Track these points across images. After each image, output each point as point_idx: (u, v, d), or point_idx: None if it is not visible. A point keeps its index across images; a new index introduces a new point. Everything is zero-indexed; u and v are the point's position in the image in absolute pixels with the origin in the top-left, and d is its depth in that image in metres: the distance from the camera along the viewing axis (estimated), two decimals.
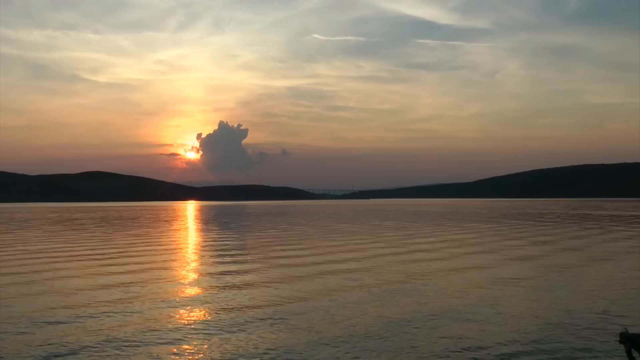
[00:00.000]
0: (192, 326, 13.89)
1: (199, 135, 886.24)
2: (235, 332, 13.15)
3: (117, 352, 11.59)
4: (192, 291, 19.24)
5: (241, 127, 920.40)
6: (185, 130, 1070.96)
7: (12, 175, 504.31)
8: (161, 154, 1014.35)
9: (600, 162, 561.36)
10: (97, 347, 11.98)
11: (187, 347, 12.09)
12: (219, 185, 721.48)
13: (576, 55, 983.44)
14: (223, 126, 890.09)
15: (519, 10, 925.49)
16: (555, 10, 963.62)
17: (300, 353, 11.48)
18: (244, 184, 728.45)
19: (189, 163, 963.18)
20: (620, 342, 8.69)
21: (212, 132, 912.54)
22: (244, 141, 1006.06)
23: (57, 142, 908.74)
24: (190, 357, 11.31)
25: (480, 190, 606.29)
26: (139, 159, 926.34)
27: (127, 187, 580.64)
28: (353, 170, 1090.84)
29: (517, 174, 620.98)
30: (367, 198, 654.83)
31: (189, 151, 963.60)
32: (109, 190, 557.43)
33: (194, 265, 27.03)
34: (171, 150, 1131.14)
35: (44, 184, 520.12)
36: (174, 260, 29.18)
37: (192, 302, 17.17)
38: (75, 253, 33.30)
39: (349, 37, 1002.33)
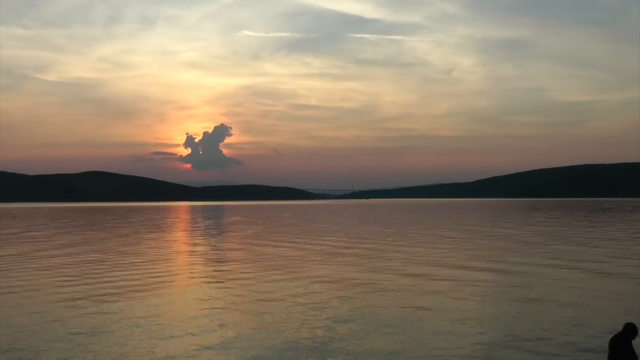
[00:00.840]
0: None
1: (189, 137, 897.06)
2: None
3: None
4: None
5: (226, 128, 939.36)
6: (165, 130, 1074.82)
7: (11, 175, 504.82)
8: (145, 153, 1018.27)
9: (600, 162, 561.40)
10: None
11: None
12: (216, 186, 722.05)
13: (527, 50, 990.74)
14: (208, 127, 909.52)
15: (448, 4, 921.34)
16: (487, 3, 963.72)
17: None
18: (244, 184, 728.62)
19: (182, 162, 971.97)
20: None
21: (197, 132, 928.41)
22: (226, 140, 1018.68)
23: (34, 141, 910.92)
24: None
25: (481, 190, 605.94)
26: (128, 159, 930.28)
27: (127, 186, 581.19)
28: (346, 170, 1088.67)
29: (517, 173, 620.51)
30: (367, 198, 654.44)
31: (178, 151, 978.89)
32: (109, 190, 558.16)
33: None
34: (155, 149, 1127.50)
35: (44, 184, 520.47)
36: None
37: None
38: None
39: (283, 33, 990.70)
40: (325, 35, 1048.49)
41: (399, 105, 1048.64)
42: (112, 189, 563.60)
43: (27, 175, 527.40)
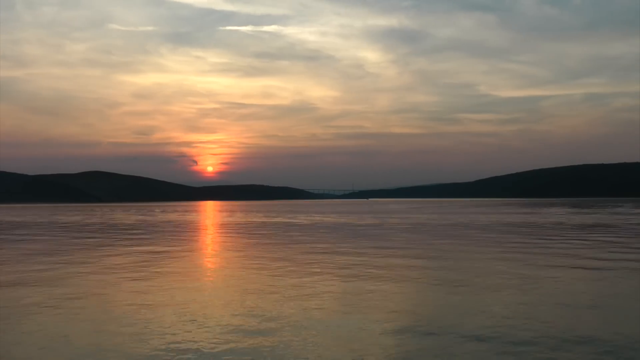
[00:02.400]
0: None
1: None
2: None
3: None
4: None
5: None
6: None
7: (11, 175, 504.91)
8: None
9: (600, 162, 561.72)
10: None
11: None
12: (219, 185, 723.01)
13: (429, 42, 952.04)
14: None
15: None
16: None
17: None
18: (244, 184, 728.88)
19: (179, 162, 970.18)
20: None
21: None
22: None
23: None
24: None
25: (481, 190, 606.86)
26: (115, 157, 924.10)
27: (128, 186, 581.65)
28: (346, 170, 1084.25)
29: (517, 173, 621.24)
30: (367, 198, 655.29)
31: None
32: (109, 190, 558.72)
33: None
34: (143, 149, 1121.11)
35: (44, 184, 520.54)
36: None
37: None
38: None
39: (150, 27, 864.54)
40: (194, 28, 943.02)
41: (329, 102, 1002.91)
42: (112, 189, 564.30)
43: (27, 175, 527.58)
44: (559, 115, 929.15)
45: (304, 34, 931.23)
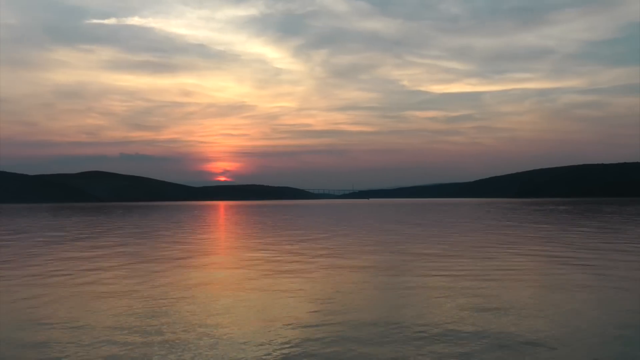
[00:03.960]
0: None
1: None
2: None
3: None
4: None
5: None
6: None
7: (12, 175, 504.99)
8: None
9: (600, 162, 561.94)
10: None
11: None
12: (217, 186, 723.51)
13: (347, 38, 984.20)
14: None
15: None
16: None
17: None
18: (245, 184, 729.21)
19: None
20: None
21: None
22: None
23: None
24: None
25: (481, 190, 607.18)
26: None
27: (128, 186, 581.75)
28: (346, 170, 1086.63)
29: (517, 173, 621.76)
30: (367, 198, 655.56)
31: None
32: (109, 190, 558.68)
33: None
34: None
35: (44, 184, 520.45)
36: None
37: None
38: None
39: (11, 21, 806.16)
40: (52, 25, 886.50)
41: (259, 99, 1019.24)
42: (112, 189, 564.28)
43: (27, 175, 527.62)
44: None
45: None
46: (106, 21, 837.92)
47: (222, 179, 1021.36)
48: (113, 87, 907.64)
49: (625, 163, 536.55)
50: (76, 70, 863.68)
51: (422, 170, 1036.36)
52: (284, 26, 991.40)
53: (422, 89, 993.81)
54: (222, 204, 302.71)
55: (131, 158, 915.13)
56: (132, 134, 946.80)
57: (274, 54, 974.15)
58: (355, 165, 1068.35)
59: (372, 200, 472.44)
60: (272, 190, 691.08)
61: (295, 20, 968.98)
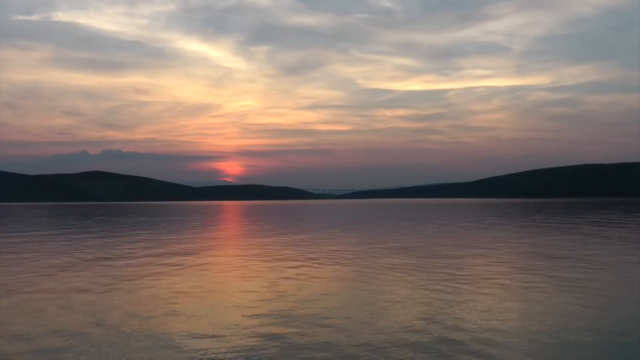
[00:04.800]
0: None
1: None
2: None
3: None
4: None
5: None
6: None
7: (12, 175, 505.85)
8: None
9: (600, 162, 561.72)
10: None
11: None
12: (217, 186, 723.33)
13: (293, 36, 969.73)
14: None
15: None
16: None
17: None
18: (240, 184, 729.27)
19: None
20: None
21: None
22: None
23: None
24: None
25: (481, 190, 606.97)
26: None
27: (128, 186, 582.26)
28: (345, 170, 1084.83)
29: (517, 173, 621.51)
30: (367, 198, 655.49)
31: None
32: (110, 190, 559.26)
33: None
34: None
35: (44, 184, 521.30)
36: None
37: None
38: None
39: None
40: None
41: (225, 98, 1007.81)
42: (112, 189, 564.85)
43: (27, 175, 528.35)
44: None
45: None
46: (33, 17, 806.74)
47: (222, 179, 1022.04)
48: (70, 86, 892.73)
49: (623, 163, 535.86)
50: (26, 68, 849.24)
51: (414, 170, 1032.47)
52: (212, 22, 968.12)
53: (381, 86, 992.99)
54: (233, 204, 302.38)
55: (104, 157, 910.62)
56: (105, 134, 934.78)
57: (215, 52, 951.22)
58: (344, 165, 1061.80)
59: (372, 200, 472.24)
60: (272, 190, 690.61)
61: (220, 15, 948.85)
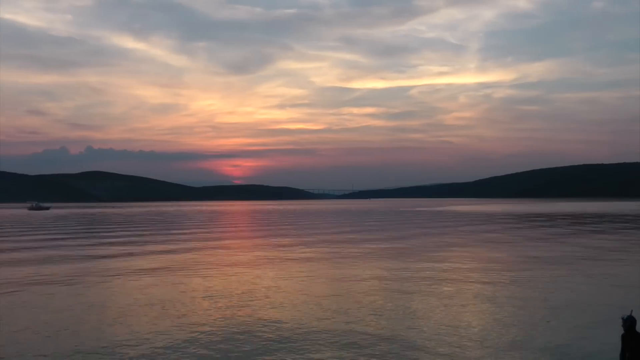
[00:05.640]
0: None
1: None
2: None
3: None
4: None
5: None
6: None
7: (12, 175, 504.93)
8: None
9: (600, 162, 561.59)
10: None
11: None
12: (218, 186, 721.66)
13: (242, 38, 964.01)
14: None
15: None
16: None
17: None
18: (245, 184, 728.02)
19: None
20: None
21: None
22: None
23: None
24: None
25: (481, 190, 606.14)
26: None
27: (128, 186, 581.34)
28: (345, 170, 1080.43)
29: (517, 173, 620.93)
30: (367, 198, 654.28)
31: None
32: (110, 190, 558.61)
33: None
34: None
35: (44, 184, 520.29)
36: None
37: None
38: None
39: None
40: None
41: (180, 98, 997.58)
42: (112, 189, 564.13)
43: (27, 175, 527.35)
44: None
45: None
46: None
47: (220, 179, 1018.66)
48: (24, 85, 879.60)
49: (623, 164, 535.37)
50: None
51: (407, 170, 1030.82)
52: (135, 18, 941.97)
53: (339, 84, 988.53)
54: (239, 205, 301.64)
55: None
56: (77, 133, 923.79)
57: (155, 50, 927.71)
58: (331, 164, 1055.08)
59: (373, 200, 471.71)
60: (272, 191, 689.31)
61: (139, 11, 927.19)
